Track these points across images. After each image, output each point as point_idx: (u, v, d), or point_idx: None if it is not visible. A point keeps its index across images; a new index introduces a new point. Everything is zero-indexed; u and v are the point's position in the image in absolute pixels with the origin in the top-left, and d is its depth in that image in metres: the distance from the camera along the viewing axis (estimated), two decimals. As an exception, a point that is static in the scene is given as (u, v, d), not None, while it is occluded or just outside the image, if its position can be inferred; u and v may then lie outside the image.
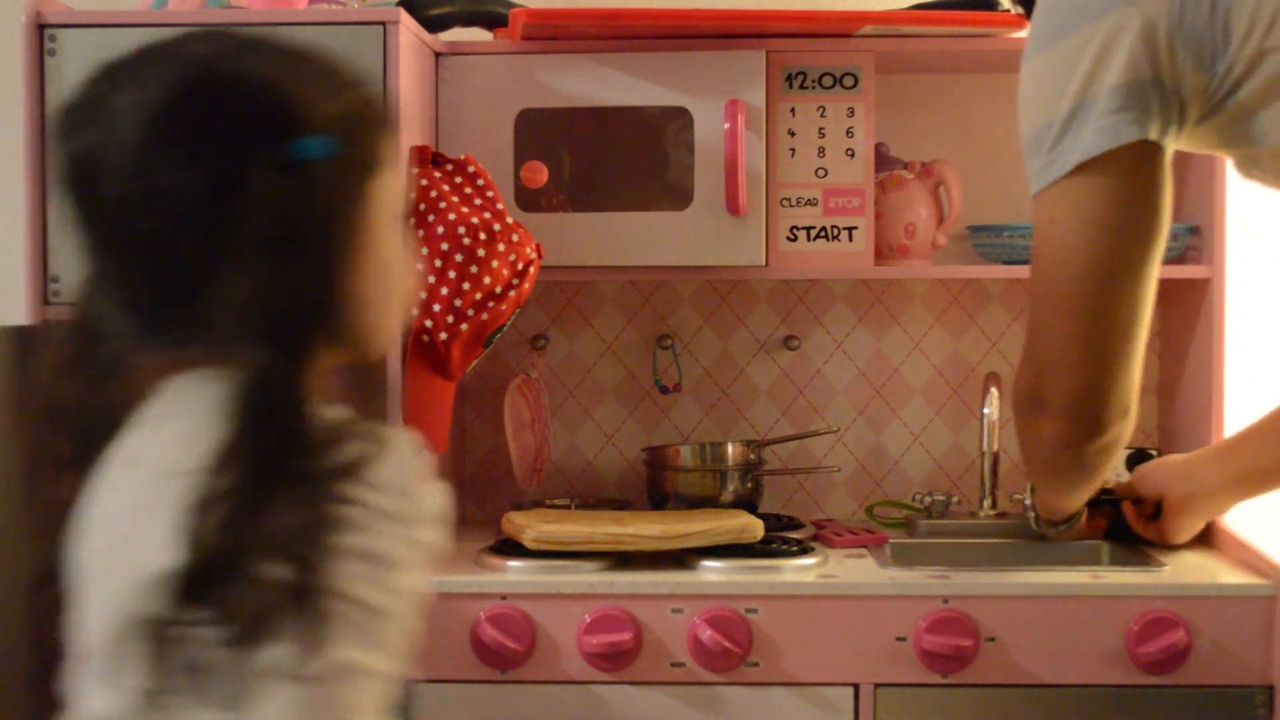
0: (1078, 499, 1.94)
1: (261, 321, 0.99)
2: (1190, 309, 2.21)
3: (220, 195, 0.99)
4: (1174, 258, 2.19)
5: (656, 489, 2.27)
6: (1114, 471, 2.26)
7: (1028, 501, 2.02)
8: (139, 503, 1.00)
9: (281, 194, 0.99)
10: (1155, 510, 2.06)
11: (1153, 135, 1.46)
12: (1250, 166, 1.59)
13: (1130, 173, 1.47)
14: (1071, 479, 1.75)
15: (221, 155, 1.00)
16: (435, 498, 1.03)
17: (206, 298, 1.00)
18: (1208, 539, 2.09)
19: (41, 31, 1.92)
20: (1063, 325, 1.54)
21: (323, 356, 1.05)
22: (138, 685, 0.97)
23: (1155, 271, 1.53)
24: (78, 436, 1.08)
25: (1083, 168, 1.46)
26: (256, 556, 0.95)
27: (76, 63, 1.91)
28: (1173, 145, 1.50)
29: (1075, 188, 1.48)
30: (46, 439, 1.11)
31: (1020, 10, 1.62)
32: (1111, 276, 1.51)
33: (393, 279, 1.07)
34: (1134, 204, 1.49)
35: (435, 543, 1.03)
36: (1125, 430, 1.60)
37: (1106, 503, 2.09)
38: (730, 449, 2.25)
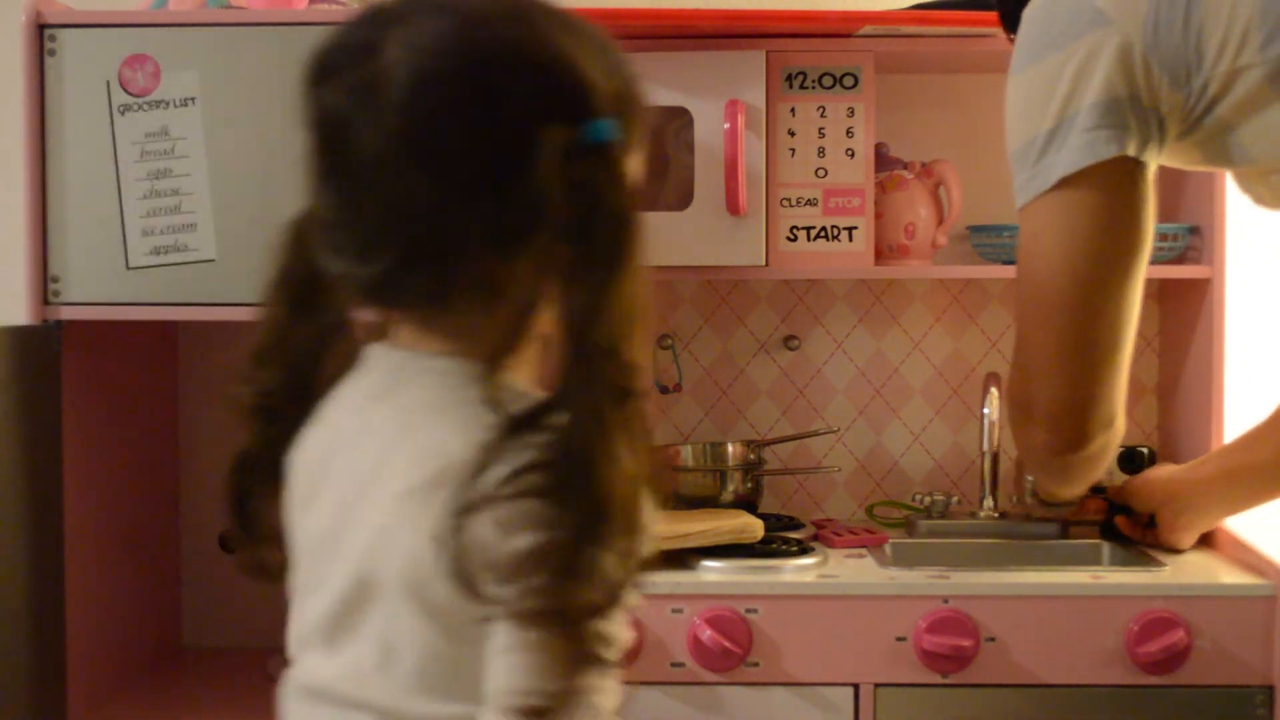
0: (1072, 492, 1.96)
1: (526, 310, 0.96)
2: (1190, 309, 2.21)
3: (495, 170, 0.94)
4: (1174, 258, 2.19)
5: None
6: (1108, 473, 2.26)
7: (1030, 479, 2.07)
8: (404, 498, 0.96)
9: (569, 178, 0.93)
10: (1150, 520, 2.07)
11: (1131, 151, 1.50)
12: (1242, 181, 1.62)
13: (1111, 188, 1.51)
14: (1062, 480, 1.77)
15: (502, 127, 0.94)
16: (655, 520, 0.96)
17: (457, 270, 0.96)
18: (1208, 539, 2.10)
19: (41, 31, 1.92)
20: (1047, 337, 1.57)
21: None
22: (374, 650, 0.96)
23: (1139, 285, 1.56)
24: (286, 382, 1.08)
25: (1064, 183, 1.50)
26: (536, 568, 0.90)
27: (76, 63, 1.92)
28: (1155, 161, 1.54)
29: (1057, 202, 1.52)
30: (254, 382, 1.11)
31: (1007, 30, 1.65)
32: (1094, 290, 1.54)
33: (645, 298, 0.96)
34: (1115, 218, 1.53)
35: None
36: (1112, 440, 1.62)
37: (1109, 507, 2.10)
38: (730, 449, 2.25)
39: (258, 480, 1.13)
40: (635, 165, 0.98)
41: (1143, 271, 1.56)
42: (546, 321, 0.97)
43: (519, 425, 0.93)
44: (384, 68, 0.95)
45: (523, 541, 0.90)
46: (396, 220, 0.96)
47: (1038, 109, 1.53)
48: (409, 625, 0.95)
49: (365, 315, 1.04)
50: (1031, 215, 1.55)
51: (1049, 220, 1.53)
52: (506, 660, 0.92)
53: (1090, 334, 1.55)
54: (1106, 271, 1.54)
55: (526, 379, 1.00)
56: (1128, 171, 1.51)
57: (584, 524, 0.90)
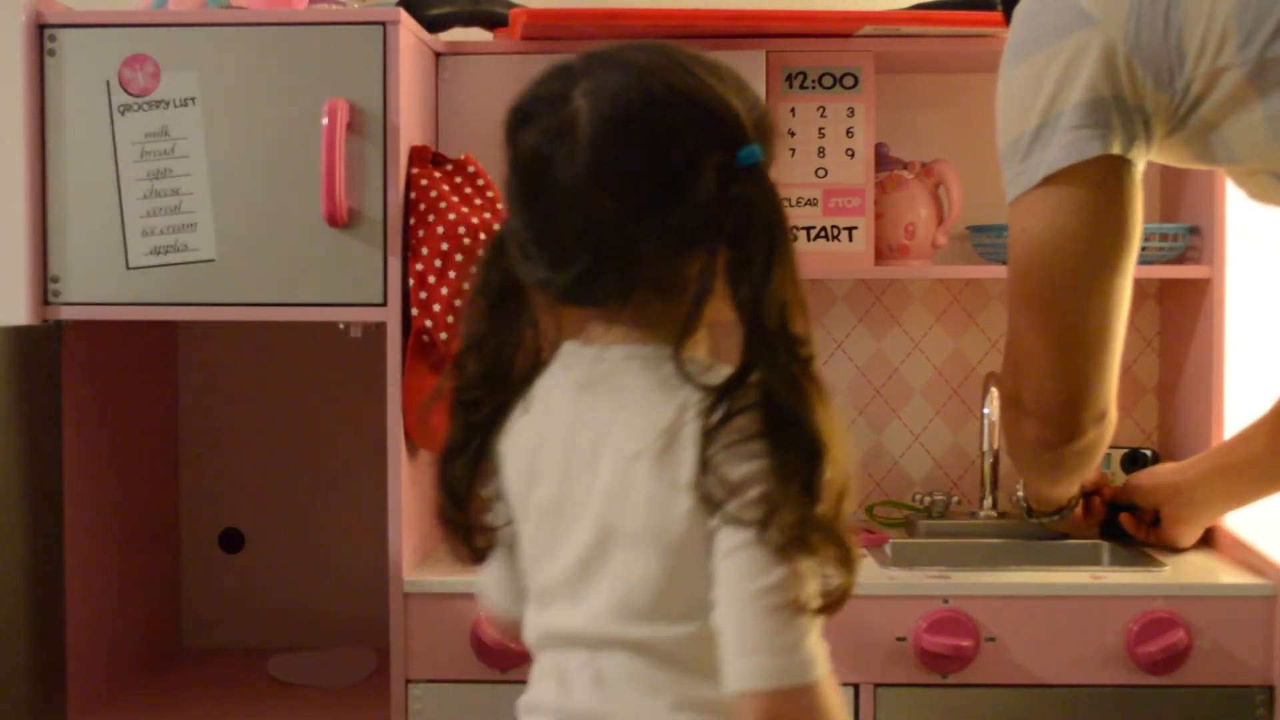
0: (1063, 492, 1.99)
1: (698, 301, 1.18)
2: (1190, 309, 2.21)
3: (669, 191, 1.18)
4: (1174, 258, 2.19)
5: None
6: (1111, 473, 2.26)
7: (1020, 493, 2.07)
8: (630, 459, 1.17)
9: (727, 195, 1.16)
10: (1154, 518, 2.07)
11: (1116, 150, 1.51)
12: (1233, 177, 1.63)
13: (1096, 185, 1.52)
14: (1052, 476, 1.79)
15: (675, 156, 1.18)
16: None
17: (638, 272, 1.19)
18: (1208, 539, 2.10)
19: (41, 31, 1.92)
20: (1036, 332, 1.58)
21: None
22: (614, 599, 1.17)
23: (1127, 280, 1.58)
24: (485, 375, 1.27)
25: (1050, 180, 1.52)
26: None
27: (76, 63, 1.92)
28: (1143, 158, 1.55)
29: (1044, 199, 1.54)
30: (459, 376, 1.29)
31: (1009, 26, 1.66)
32: (1081, 285, 1.56)
33: (799, 282, 1.20)
34: (1100, 214, 1.54)
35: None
36: (1103, 433, 1.63)
37: (1109, 507, 2.10)
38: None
39: (465, 466, 1.29)
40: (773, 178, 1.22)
41: (1131, 267, 1.57)
42: (715, 310, 1.19)
43: (725, 386, 1.15)
44: (573, 113, 1.19)
45: (750, 467, 1.12)
46: (587, 234, 1.19)
47: (1025, 106, 1.55)
48: (645, 564, 1.16)
49: (553, 317, 1.27)
50: (1019, 211, 1.57)
51: (1035, 216, 1.55)
52: (733, 560, 1.13)
53: (1079, 328, 1.56)
54: (1094, 266, 1.55)
55: (704, 356, 1.22)
56: (1113, 169, 1.52)
57: (797, 450, 1.13)
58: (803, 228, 2.15)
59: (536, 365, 1.28)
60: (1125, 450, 2.26)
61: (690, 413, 1.16)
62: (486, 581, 1.33)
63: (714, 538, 1.14)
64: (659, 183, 1.18)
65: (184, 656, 2.34)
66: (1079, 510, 2.07)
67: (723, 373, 1.18)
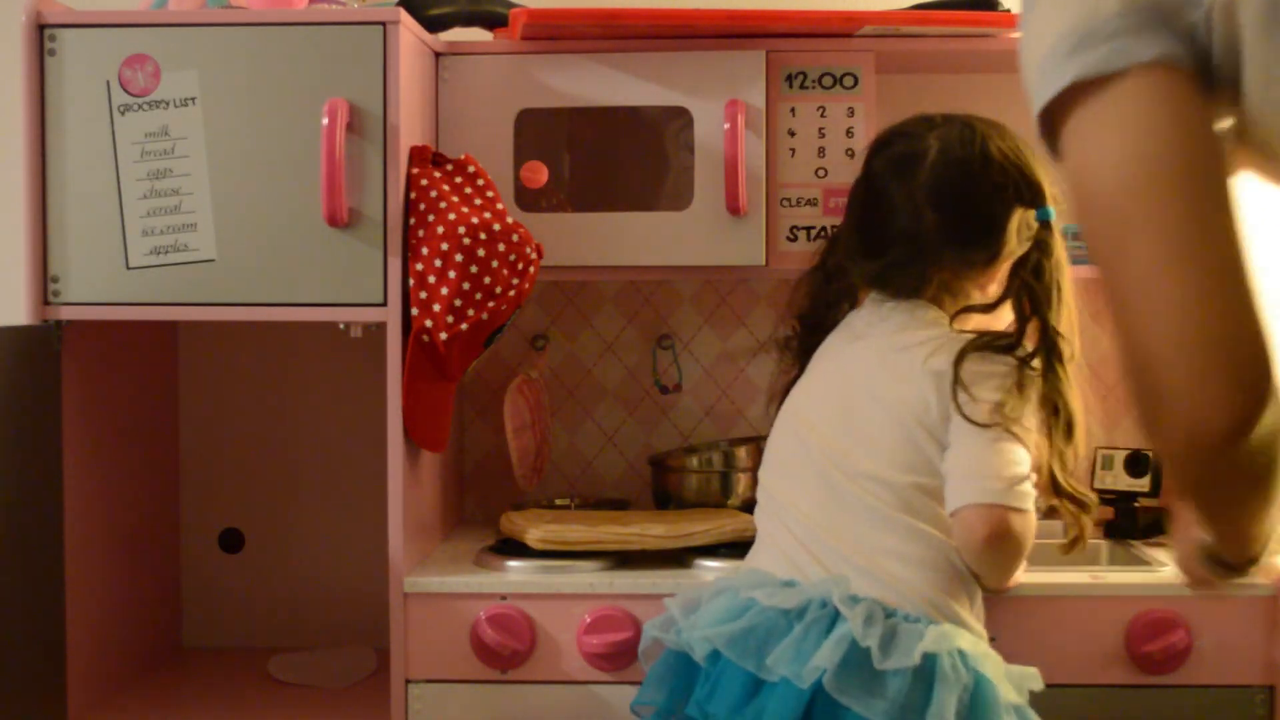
0: (1270, 509, 1.21)
1: (991, 308, 1.78)
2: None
3: (980, 220, 1.75)
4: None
5: (661, 492, 2.27)
6: (1113, 475, 2.26)
7: (1205, 552, 1.34)
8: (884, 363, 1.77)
9: (1028, 237, 1.76)
10: None
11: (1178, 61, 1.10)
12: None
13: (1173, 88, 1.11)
14: (1256, 485, 1.14)
15: (992, 197, 1.75)
16: None
17: (935, 274, 1.77)
18: (1208, 539, 2.09)
19: (41, 31, 1.92)
20: (1177, 264, 1.06)
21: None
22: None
23: (1237, 203, 1.12)
24: (809, 330, 1.89)
25: (1123, 75, 1.09)
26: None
27: (76, 63, 1.92)
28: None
29: (1117, 97, 1.10)
30: (793, 327, 1.93)
31: None
32: (1218, 182, 1.10)
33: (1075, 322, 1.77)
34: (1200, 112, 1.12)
35: None
36: None
37: None
38: (741, 451, 2.25)
39: (779, 401, 1.87)
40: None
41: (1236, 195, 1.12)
42: (992, 320, 1.77)
43: (991, 338, 1.72)
44: (925, 148, 1.77)
45: (991, 384, 1.68)
46: (905, 235, 1.76)
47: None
48: (908, 436, 1.69)
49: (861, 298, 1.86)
50: (1086, 126, 1.12)
51: (1131, 119, 1.10)
52: (963, 450, 1.67)
53: (1232, 236, 1.08)
54: (1219, 157, 1.12)
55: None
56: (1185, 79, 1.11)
57: (1051, 412, 1.71)
58: (802, 228, 2.15)
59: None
60: (1128, 451, 2.24)
61: (961, 344, 1.72)
62: None
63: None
64: (974, 212, 1.74)
65: (184, 656, 2.34)
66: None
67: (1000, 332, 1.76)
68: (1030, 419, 1.68)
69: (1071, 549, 1.76)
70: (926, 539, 1.66)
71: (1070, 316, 1.75)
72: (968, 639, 1.63)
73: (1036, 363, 1.70)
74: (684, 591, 1.76)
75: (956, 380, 1.67)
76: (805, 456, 1.75)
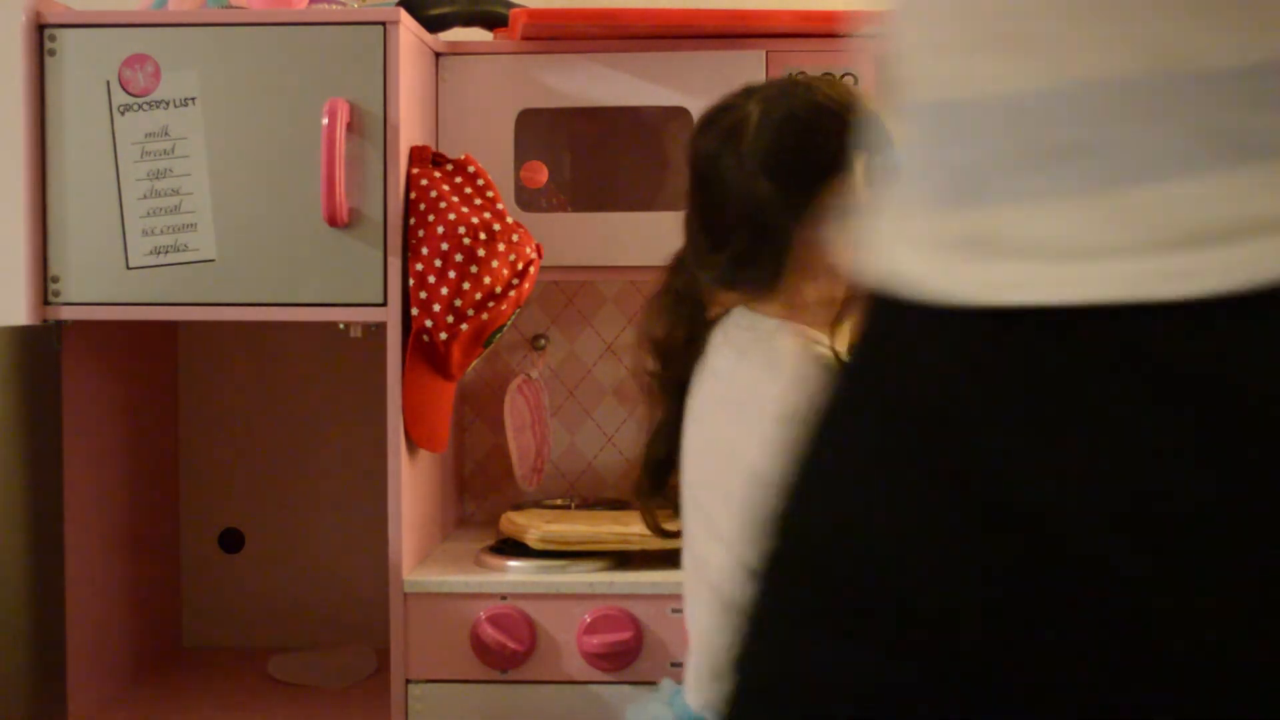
0: None
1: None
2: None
3: (818, 176, 1.44)
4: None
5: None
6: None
7: None
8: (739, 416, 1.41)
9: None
10: None
11: None
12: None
13: None
14: None
15: (826, 149, 1.44)
16: None
17: (783, 263, 1.45)
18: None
19: (41, 31, 1.92)
20: None
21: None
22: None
23: None
24: (670, 353, 1.54)
25: None
26: None
27: (76, 63, 1.92)
28: None
29: None
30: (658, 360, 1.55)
31: None
32: None
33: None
34: None
35: None
36: None
37: None
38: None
39: (668, 446, 1.54)
40: None
41: None
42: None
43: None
44: (744, 115, 1.47)
45: None
46: (744, 217, 1.46)
47: None
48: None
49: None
50: None
51: None
52: None
53: None
54: None
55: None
56: None
57: None
58: (803, 228, 2.15)
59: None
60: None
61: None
62: None
63: None
64: (813, 167, 1.44)
65: (184, 656, 2.34)
66: None
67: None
68: None
69: None
70: None
71: None
72: None
73: None
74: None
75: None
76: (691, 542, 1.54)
